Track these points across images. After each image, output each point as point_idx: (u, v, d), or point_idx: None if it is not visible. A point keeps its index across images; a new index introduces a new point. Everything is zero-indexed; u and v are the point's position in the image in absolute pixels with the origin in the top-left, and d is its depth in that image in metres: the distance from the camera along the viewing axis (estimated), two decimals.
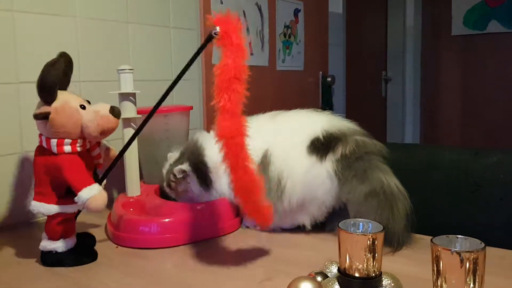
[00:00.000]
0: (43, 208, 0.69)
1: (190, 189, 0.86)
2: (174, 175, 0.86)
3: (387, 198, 0.76)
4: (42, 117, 0.67)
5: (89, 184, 0.67)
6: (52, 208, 0.69)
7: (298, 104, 0.93)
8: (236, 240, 0.81)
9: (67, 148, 0.68)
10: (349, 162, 0.79)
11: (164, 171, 0.91)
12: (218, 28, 0.62)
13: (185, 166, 0.85)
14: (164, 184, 0.90)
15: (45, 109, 0.67)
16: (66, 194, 0.69)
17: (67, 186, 0.69)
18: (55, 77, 0.67)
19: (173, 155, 0.90)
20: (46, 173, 0.69)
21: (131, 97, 0.90)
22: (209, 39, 0.63)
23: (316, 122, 0.84)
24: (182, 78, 0.69)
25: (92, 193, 0.66)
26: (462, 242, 0.49)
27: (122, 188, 0.95)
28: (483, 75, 3.17)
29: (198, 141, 0.89)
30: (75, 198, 0.66)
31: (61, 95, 0.69)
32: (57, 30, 1.01)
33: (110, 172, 0.75)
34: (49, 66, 0.67)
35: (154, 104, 0.73)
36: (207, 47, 0.65)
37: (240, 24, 0.63)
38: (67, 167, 0.67)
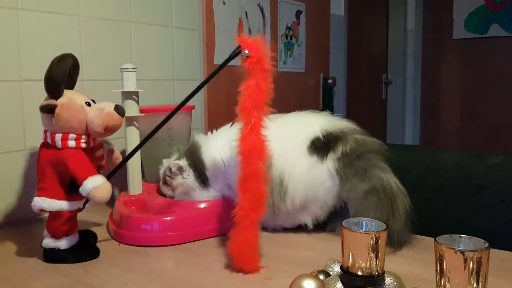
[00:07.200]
0: (45, 203, 0.68)
1: (186, 184, 0.86)
2: (170, 170, 0.87)
3: (387, 195, 0.76)
4: (47, 110, 0.67)
5: (94, 175, 0.67)
6: (54, 203, 0.68)
7: (298, 106, 0.93)
8: None
9: (72, 143, 0.68)
10: (350, 160, 0.80)
11: (161, 172, 0.91)
12: (247, 51, 0.65)
13: (181, 162, 0.87)
14: (161, 183, 0.91)
15: (51, 101, 0.68)
16: (69, 191, 0.70)
17: (70, 182, 0.69)
18: (62, 71, 0.67)
19: (168, 160, 0.91)
20: (50, 167, 0.69)
21: (134, 96, 0.90)
22: (235, 55, 0.67)
23: (315, 122, 0.85)
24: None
25: (96, 183, 0.66)
26: (466, 242, 0.49)
27: (124, 186, 0.95)
28: (483, 79, 3.17)
29: (196, 141, 0.90)
30: (80, 188, 0.66)
31: (67, 93, 0.70)
32: (61, 28, 1.01)
33: (117, 171, 0.75)
34: (57, 61, 0.67)
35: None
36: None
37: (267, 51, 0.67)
38: (71, 160, 0.68)
